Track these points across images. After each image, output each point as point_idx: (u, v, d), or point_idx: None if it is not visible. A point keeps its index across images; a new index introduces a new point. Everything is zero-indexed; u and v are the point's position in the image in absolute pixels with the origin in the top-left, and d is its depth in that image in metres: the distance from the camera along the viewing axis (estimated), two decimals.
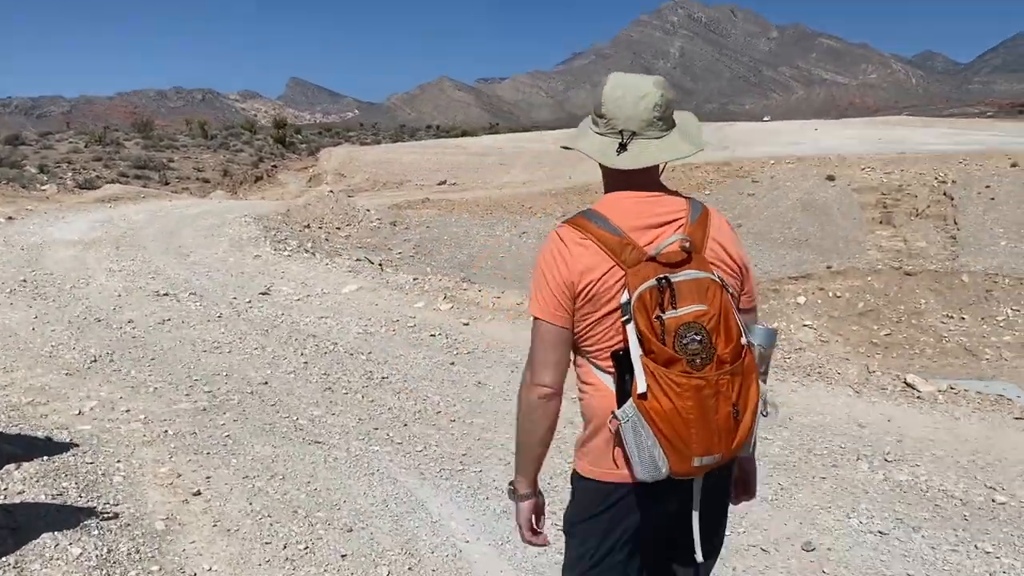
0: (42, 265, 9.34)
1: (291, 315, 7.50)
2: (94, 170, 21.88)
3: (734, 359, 1.65)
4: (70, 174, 20.54)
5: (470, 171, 23.97)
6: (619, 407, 1.68)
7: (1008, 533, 3.57)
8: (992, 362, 12.89)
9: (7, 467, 3.79)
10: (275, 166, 28.92)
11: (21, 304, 7.54)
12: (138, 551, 3.26)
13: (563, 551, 1.92)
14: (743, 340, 1.68)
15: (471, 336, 6.85)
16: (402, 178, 24.11)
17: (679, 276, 1.65)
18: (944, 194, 17.62)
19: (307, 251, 10.88)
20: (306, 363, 6.10)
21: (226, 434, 4.63)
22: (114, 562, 3.14)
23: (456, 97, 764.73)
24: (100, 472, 3.97)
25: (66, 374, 5.60)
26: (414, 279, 9.06)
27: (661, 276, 1.64)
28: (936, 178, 18.25)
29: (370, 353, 6.37)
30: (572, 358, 1.82)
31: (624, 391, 1.68)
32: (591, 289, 1.70)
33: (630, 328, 1.64)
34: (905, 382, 5.56)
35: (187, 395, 5.31)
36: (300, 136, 40.01)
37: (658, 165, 1.79)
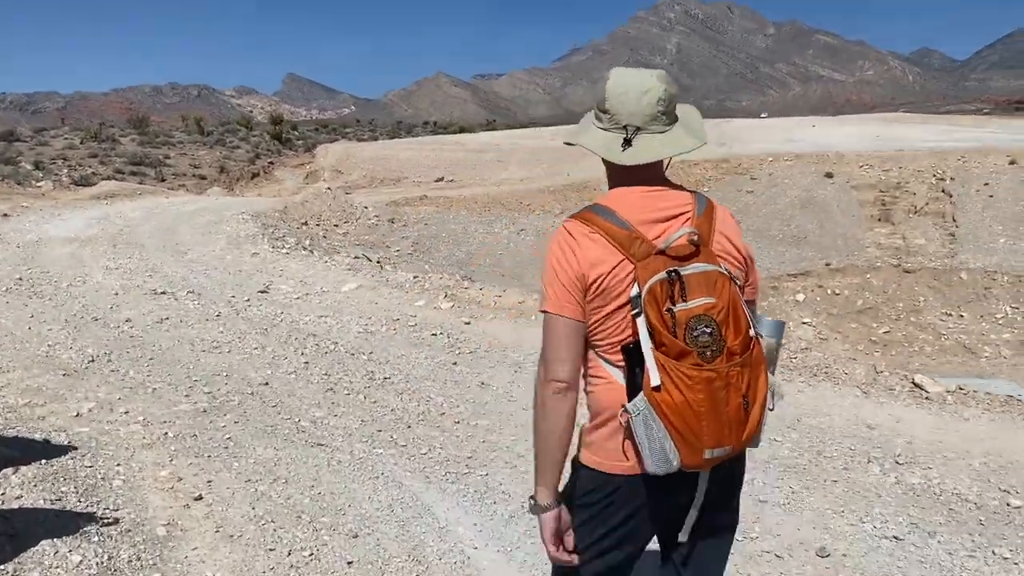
0: (38, 263, 9.25)
1: (290, 314, 7.42)
2: (90, 167, 21.75)
3: (743, 351, 1.66)
4: (66, 171, 20.41)
5: (468, 168, 23.87)
6: (629, 400, 1.68)
7: None
8: (991, 360, 12.87)
9: (4, 471, 3.71)
10: (272, 163, 28.80)
11: (17, 303, 7.45)
12: (139, 558, 3.19)
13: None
14: (751, 332, 1.69)
15: (473, 336, 6.78)
16: (399, 175, 24.00)
17: (688, 269, 1.66)
18: (943, 191, 17.59)
19: (305, 248, 10.80)
20: (307, 363, 6.03)
21: (227, 436, 4.56)
22: (115, 570, 3.07)
23: (453, 93, 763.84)
24: (99, 476, 3.90)
25: (63, 374, 5.52)
26: (414, 277, 8.98)
27: (671, 269, 1.65)
28: (935, 175, 18.21)
29: (371, 353, 6.30)
30: None
31: (635, 384, 1.68)
32: (601, 283, 1.70)
33: (640, 321, 1.65)
34: (913, 382, 5.50)
35: (187, 396, 5.24)
36: (297, 132, 39.87)
37: (662, 160, 1.79)
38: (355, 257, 10.72)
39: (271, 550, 3.34)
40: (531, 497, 1.85)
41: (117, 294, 7.94)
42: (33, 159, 21.01)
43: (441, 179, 22.77)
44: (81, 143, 26.40)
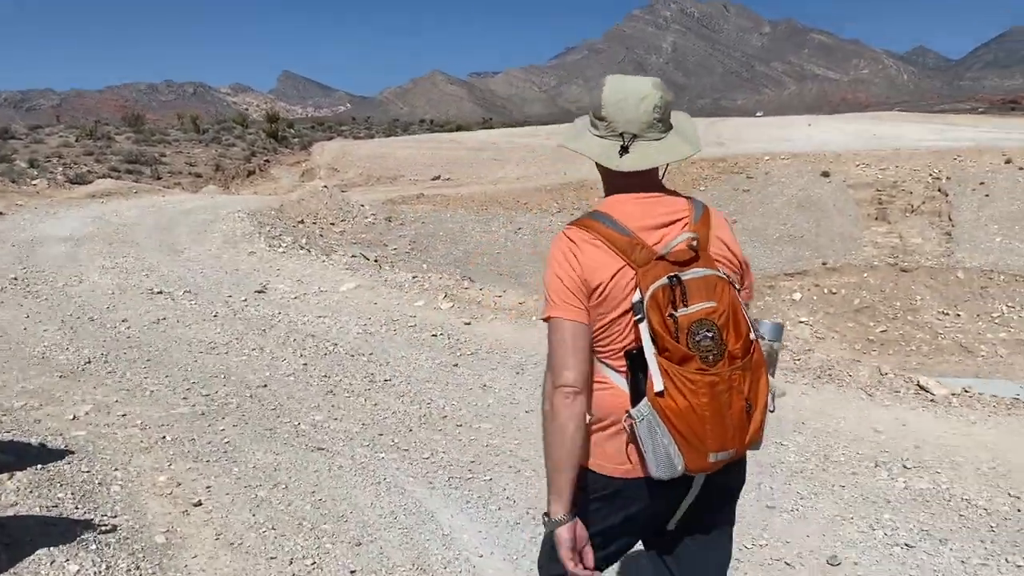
0: (33, 262, 9.16)
1: (288, 314, 7.35)
2: (85, 165, 21.58)
3: (744, 354, 1.68)
4: (61, 169, 20.26)
5: (464, 166, 23.77)
6: (633, 406, 1.69)
7: None
8: (987, 359, 12.88)
9: None
10: (267, 160, 28.64)
11: (12, 302, 7.37)
12: (138, 567, 3.12)
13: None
14: (751, 335, 1.71)
15: (473, 337, 6.71)
16: (396, 173, 23.89)
17: (688, 274, 1.67)
18: (939, 190, 17.60)
19: (302, 247, 10.72)
20: (305, 365, 5.96)
21: (226, 440, 4.49)
22: None
23: (449, 91, 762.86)
24: (96, 481, 3.83)
25: (60, 376, 5.45)
26: (413, 277, 8.91)
27: (672, 275, 1.66)
28: (931, 174, 18.21)
29: (371, 354, 6.23)
30: None
31: (638, 390, 1.69)
32: (604, 289, 1.70)
33: (643, 327, 1.65)
34: (918, 384, 5.46)
35: (184, 399, 5.17)
36: (292, 130, 39.65)
37: (658, 166, 1.81)
38: (352, 256, 10.64)
39: (272, 558, 3.28)
40: (544, 514, 1.80)
41: (113, 294, 7.86)
42: (28, 157, 20.85)
43: (438, 177, 22.68)
44: (76, 141, 26.21)
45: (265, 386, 5.46)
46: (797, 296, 15.14)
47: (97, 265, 9.14)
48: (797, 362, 5.98)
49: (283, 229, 12.16)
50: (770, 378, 1.76)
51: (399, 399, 5.30)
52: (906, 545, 3.43)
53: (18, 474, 3.71)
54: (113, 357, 5.94)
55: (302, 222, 13.84)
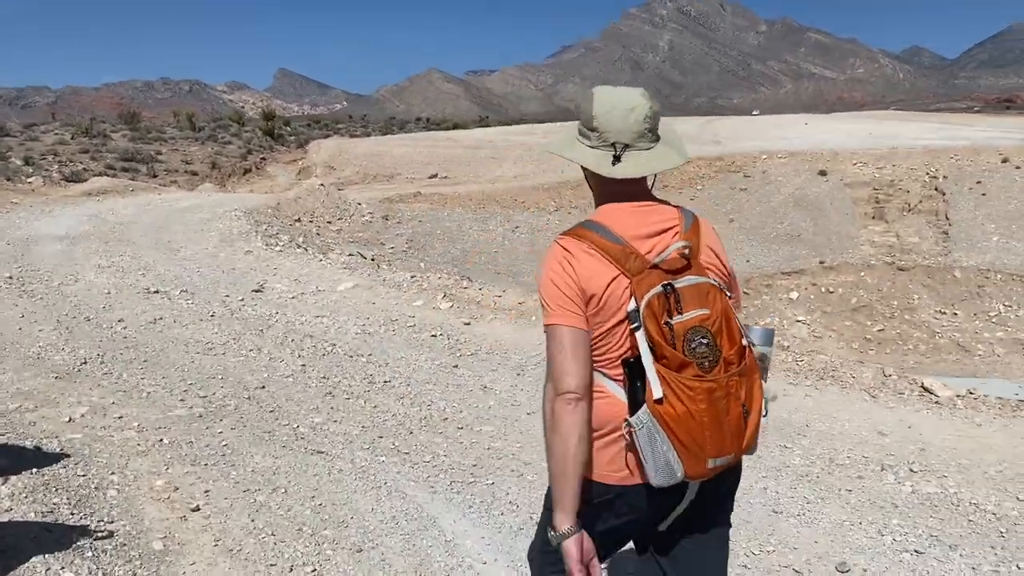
0: (28, 261, 9.08)
1: (286, 314, 7.29)
2: (81, 162, 21.47)
3: (739, 360, 1.71)
4: (56, 166, 20.15)
5: (461, 164, 23.70)
6: (631, 414, 1.69)
7: None
8: (984, 358, 12.86)
9: None
10: (264, 158, 28.55)
11: (7, 302, 7.29)
12: (135, 575, 3.06)
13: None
14: (744, 341, 1.74)
15: (473, 337, 6.65)
16: (393, 171, 23.80)
17: (681, 282, 1.70)
18: (936, 189, 17.59)
19: (299, 246, 10.65)
20: (304, 366, 5.90)
21: (224, 443, 4.43)
22: None
23: (445, 89, 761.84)
24: (93, 486, 3.77)
25: (55, 377, 5.38)
26: (411, 276, 8.85)
27: (665, 283, 1.68)
28: (928, 173, 18.21)
29: (370, 355, 6.17)
30: None
31: (636, 398, 1.70)
32: (600, 298, 1.72)
33: (640, 335, 1.67)
34: (922, 386, 5.42)
35: (182, 400, 5.10)
36: (289, 128, 39.56)
37: (646, 176, 1.83)
38: (350, 255, 10.58)
39: (272, 565, 3.22)
40: (549, 527, 1.75)
41: (109, 293, 7.79)
42: (23, 155, 20.74)
43: (435, 176, 22.61)
44: (72, 138, 26.09)
45: (263, 387, 5.40)
46: (794, 295, 15.10)
47: (93, 264, 9.06)
48: (800, 364, 5.93)
49: (280, 227, 12.09)
50: (764, 384, 1.79)
51: (399, 401, 5.24)
52: (915, 551, 3.38)
53: (13, 479, 3.65)
54: (109, 358, 5.87)
55: (299, 220, 13.77)
